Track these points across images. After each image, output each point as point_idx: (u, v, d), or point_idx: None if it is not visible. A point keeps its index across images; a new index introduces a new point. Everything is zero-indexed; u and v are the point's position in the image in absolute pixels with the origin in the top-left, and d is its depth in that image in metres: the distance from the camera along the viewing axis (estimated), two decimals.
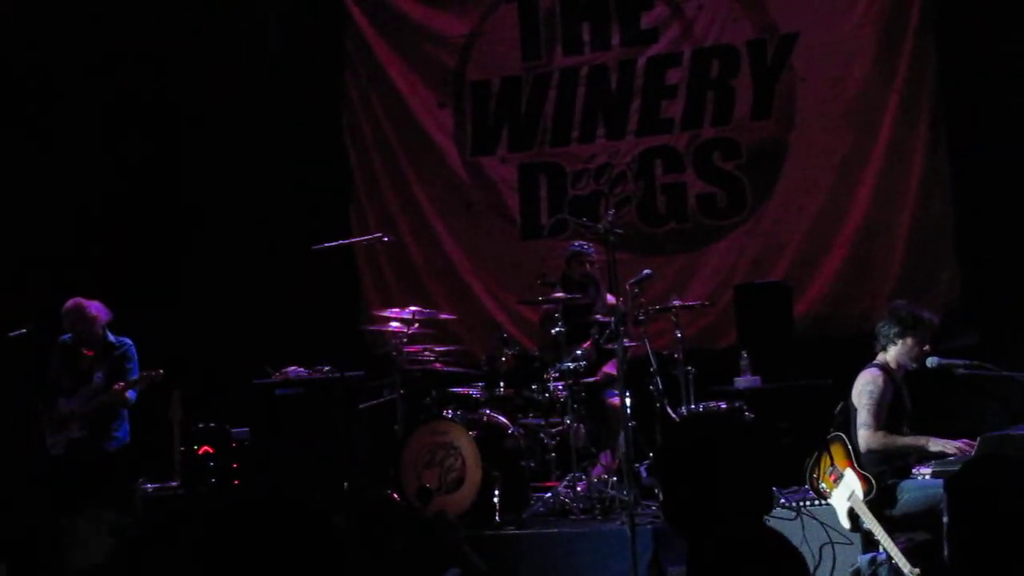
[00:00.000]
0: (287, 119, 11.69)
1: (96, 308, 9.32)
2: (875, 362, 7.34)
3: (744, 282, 10.40)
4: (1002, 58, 9.79)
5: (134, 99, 11.59)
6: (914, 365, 7.30)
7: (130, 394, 9.22)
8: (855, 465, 7.07)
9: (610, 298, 9.20)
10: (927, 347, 7.27)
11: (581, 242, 9.75)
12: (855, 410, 7.24)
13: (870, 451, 7.11)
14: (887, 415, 7.18)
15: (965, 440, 7.05)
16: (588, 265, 9.57)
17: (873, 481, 6.97)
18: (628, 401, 8.31)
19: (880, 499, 6.99)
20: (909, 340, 7.24)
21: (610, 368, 9.12)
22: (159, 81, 11.68)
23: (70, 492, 8.88)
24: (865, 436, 7.11)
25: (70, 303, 9.32)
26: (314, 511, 3.19)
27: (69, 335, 9.44)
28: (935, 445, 7.09)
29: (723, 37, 10.77)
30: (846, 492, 7.05)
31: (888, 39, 10.27)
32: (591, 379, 9.16)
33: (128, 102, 11.56)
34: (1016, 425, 7.39)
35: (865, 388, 7.21)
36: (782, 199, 10.59)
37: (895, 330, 7.26)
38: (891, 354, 7.29)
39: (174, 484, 9.65)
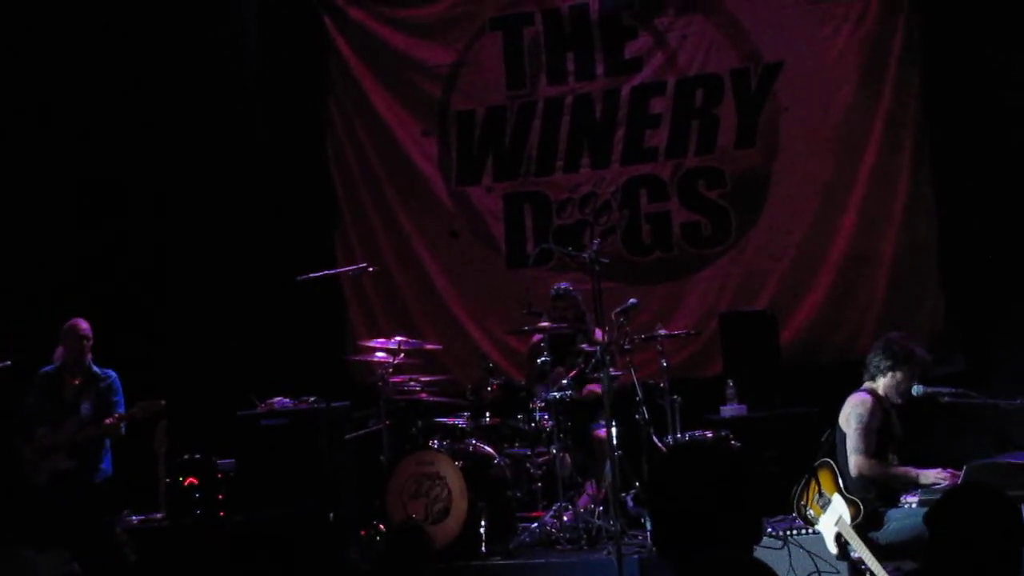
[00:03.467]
0: (272, 148, 11.70)
1: (89, 328, 9.37)
2: (863, 387, 7.36)
3: (729, 310, 10.40)
4: (985, 84, 9.83)
5: (115, 126, 11.56)
6: (899, 400, 7.31)
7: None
8: (842, 490, 7.07)
9: (598, 333, 9.18)
10: (914, 382, 7.28)
11: (560, 284, 9.72)
12: (843, 435, 7.24)
13: (861, 477, 7.11)
14: (876, 441, 7.19)
15: (951, 471, 7.05)
16: (567, 306, 9.52)
17: (861, 505, 6.97)
18: (614, 431, 8.29)
19: (867, 523, 6.98)
20: (899, 374, 7.25)
21: (595, 387, 9.10)
22: (141, 109, 11.65)
23: (52, 523, 8.82)
24: (857, 462, 7.11)
25: (72, 321, 9.35)
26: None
27: (51, 366, 9.43)
28: (926, 478, 7.10)
29: (707, 66, 10.80)
30: (834, 517, 7.04)
31: (871, 67, 10.31)
32: (571, 393, 9.10)
33: (109, 129, 11.53)
34: (1002, 453, 7.39)
35: (854, 412, 7.22)
36: (767, 227, 10.60)
37: (887, 363, 7.27)
38: (879, 384, 7.30)
39: (159, 516, 9.62)
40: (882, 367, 7.29)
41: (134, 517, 9.62)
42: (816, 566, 7.51)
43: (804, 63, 10.51)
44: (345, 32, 11.82)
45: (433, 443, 8.96)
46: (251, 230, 11.58)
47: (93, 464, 9.23)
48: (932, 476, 7.11)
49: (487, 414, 9.12)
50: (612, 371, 8.42)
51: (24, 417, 9.34)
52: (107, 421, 9.18)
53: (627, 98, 10.99)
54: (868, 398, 7.26)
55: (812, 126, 10.50)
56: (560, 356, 9.19)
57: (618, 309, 8.89)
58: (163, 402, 9.21)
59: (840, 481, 7.11)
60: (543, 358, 8.98)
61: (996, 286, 9.73)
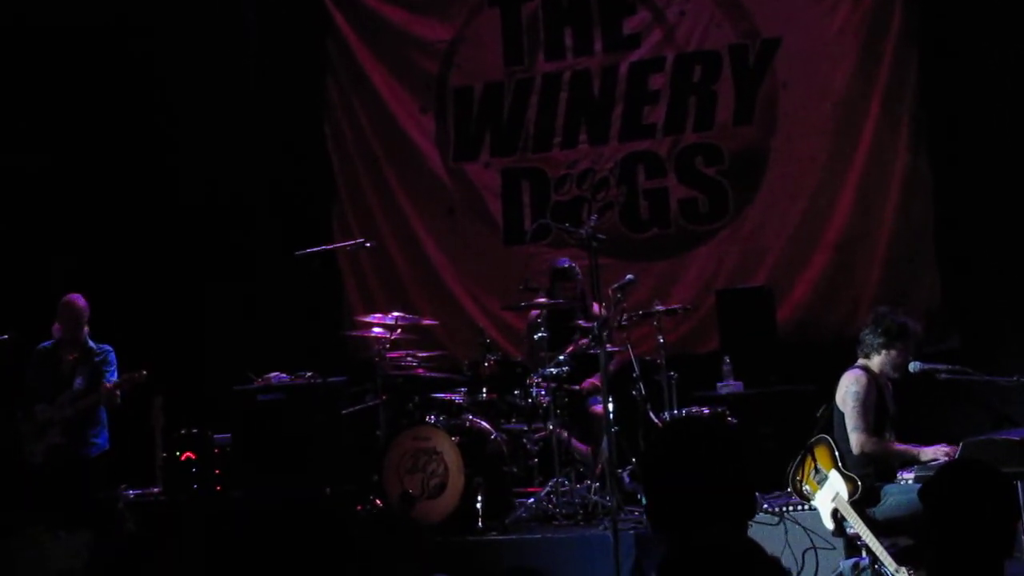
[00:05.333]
0: (269, 124, 11.68)
1: (86, 304, 9.37)
2: (858, 364, 7.38)
3: (726, 287, 10.41)
4: (983, 65, 9.82)
5: (115, 102, 11.56)
6: (896, 375, 7.33)
7: None
8: (840, 467, 7.09)
9: (596, 308, 9.19)
10: (910, 357, 7.31)
11: (562, 260, 9.71)
12: (841, 413, 7.26)
13: (862, 454, 7.13)
14: (874, 418, 7.22)
15: (952, 447, 7.07)
16: (571, 287, 9.51)
17: (858, 482, 7.00)
18: (611, 407, 8.30)
19: (864, 499, 7.01)
20: (894, 351, 7.29)
21: (595, 379, 9.12)
22: (141, 87, 11.65)
23: (51, 500, 8.84)
24: (859, 439, 7.14)
25: (67, 296, 9.34)
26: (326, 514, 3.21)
27: (50, 341, 9.43)
28: (925, 456, 7.13)
29: (705, 42, 10.77)
30: (830, 493, 7.06)
31: (870, 45, 10.29)
32: (575, 387, 9.15)
33: (109, 105, 11.54)
34: (998, 429, 7.41)
35: (850, 390, 7.25)
36: (764, 204, 10.60)
37: (880, 340, 7.29)
38: (874, 362, 7.33)
39: (156, 490, 9.66)
40: (876, 344, 7.31)
41: (131, 492, 9.66)
42: (812, 542, 7.53)
43: (802, 40, 10.48)
44: (343, 9, 11.79)
45: (430, 418, 8.96)
46: (249, 206, 11.58)
47: (84, 439, 9.22)
48: (931, 453, 7.14)
49: (484, 390, 9.10)
50: (609, 347, 8.43)
51: (23, 393, 9.33)
52: (105, 385, 9.14)
53: (625, 74, 10.97)
54: (863, 375, 7.28)
55: (810, 103, 10.48)
56: (558, 331, 9.19)
57: (615, 285, 8.89)
58: (144, 372, 9.19)
59: (838, 457, 7.13)
60: (540, 333, 8.98)
61: (992, 264, 9.74)
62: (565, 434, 8.89)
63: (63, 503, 8.78)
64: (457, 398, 9.20)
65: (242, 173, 11.59)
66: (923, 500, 3.92)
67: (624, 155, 10.98)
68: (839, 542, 7.35)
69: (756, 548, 3.32)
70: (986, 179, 9.78)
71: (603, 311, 8.60)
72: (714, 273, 10.69)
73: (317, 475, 9.23)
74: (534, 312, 9.47)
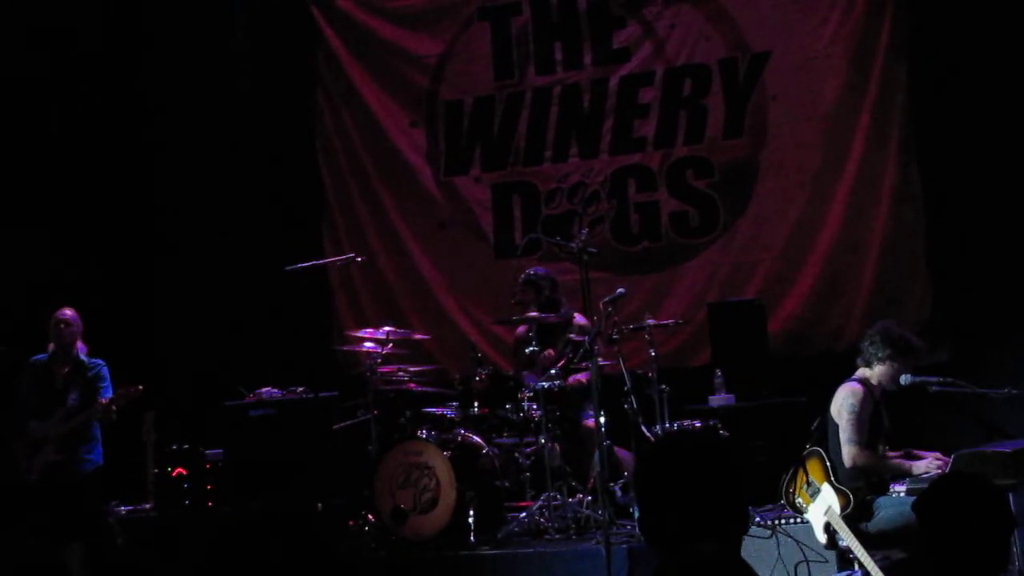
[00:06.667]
0: (259, 138, 11.67)
1: (76, 317, 9.34)
2: (855, 376, 7.37)
3: (718, 300, 10.41)
4: (972, 76, 9.84)
5: (104, 115, 11.56)
6: (893, 388, 7.33)
7: None
8: (832, 480, 7.09)
9: (579, 318, 9.20)
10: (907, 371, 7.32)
11: (531, 269, 9.72)
12: (835, 425, 7.25)
13: (855, 467, 7.12)
14: (868, 431, 7.21)
15: (945, 458, 7.08)
16: (538, 292, 9.51)
17: (851, 496, 6.99)
18: (602, 420, 8.30)
19: (857, 513, 7.01)
20: (897, 364, 7.27)
21: (581, 376, 9.10)
22: (132, 103, 11.65)
23: (48, 517, 8.82)
24: (851, 452, 7.13)
25: (59, 310, 9.32)
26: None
27: (43, 355, 9.40)
28: (918, 469, 7.13)
29: (695, 56, 10.79)
30: (823, 507, 7.06)
31: (859, 58, 10.31)
32: (560, 383, 9.05)
33: (98, 118, 11.53)
34: (989, 442, 7.42)
35: (846, 402, 7.23)
36: (755, 217, 10.60)
37: (887, 352, 7.27)
38: (875, 372, 7.31)
39: (147, 506, 9.64)
40: (881, 356, 7.29)
41: (123, 508, 9.64)
42: (804, 555, 7.52)
43: (792, 53, 10.50)
44: (333, 23, 11.80)
45: (421, 433, 8.96)
46: (240, 222, 11.57)
47: (80, 454, 9.18)
48: (923, 466, 7.14)
49: (475, 404, 9.09)
50: (600, 360, 8.42)
51: (16, 408, 9.29)
52: (102, 400, 9.10)
53: (615, 88, 10.98)
54: (860, 388, 7.27)
55: (800, 116, 10.50)
56: (548, 346, 9.20)
57: (606, 299, 8.87)
58: (141, 387, 9.17)
59: (830, 470, 7.13)
60: (531, 348, 8.98)
61: (982, 276, 9.75)
62: (557, 449, 8.86)
63: (60, 519, 8.75)
64: (449, 412, 9.19)
65: (232, 186, 11.58)
66: (917, 513, 3.92)
67: (615, 169, 10.99)
68: (832, 555, 7.33)
69: (746, 566, 3.32)
70: (976, 191, 9.79)
71: (587, 321, 8.58)
72: (705, 286, 10.69)
73: (308, 490, 9.22)
74: (521, 328, 9.47)
